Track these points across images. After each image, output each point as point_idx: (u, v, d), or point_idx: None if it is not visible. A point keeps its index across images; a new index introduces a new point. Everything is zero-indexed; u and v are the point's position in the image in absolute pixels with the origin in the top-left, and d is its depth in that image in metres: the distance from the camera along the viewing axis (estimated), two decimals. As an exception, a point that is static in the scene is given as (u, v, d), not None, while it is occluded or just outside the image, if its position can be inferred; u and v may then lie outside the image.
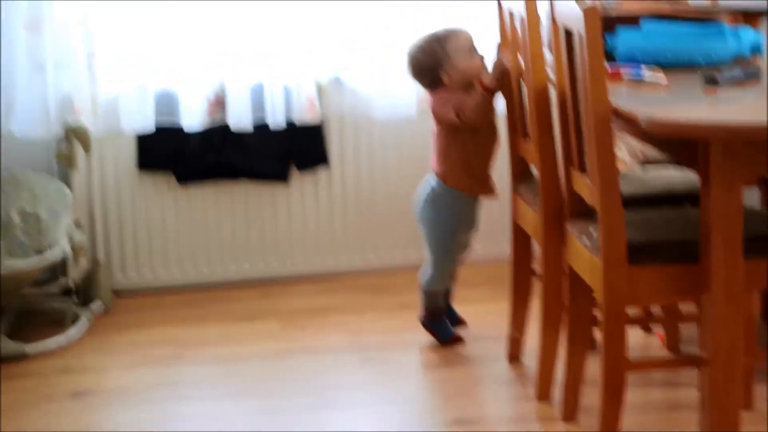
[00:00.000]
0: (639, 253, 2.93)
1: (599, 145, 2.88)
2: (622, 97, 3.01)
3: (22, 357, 4.00)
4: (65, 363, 3.97)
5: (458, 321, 4.14)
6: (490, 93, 3.81)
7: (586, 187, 3.07)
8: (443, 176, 3.94)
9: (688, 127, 2.69)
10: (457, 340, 4.04)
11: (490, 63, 3.83)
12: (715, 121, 2.74)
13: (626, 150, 3.90)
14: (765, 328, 3.82)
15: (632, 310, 3.84)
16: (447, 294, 4.12)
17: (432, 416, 3.54)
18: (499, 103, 3.86)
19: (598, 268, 2.97)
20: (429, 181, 4.00)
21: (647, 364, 3.53)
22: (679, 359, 3.61)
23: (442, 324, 4.06)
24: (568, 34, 3.01)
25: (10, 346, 4.01)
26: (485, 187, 3.98)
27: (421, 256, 4.06)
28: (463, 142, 3.91)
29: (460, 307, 4.16)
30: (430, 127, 3.98)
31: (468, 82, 3.89)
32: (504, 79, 3.78)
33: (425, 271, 4.03)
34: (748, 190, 4.01)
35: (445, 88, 3.90)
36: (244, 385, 3.78)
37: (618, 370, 2.98)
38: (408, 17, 4.54)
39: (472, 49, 3.89)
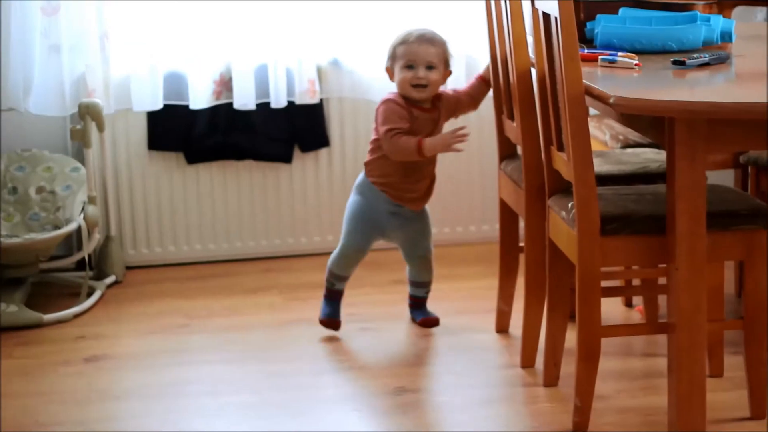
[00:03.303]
0: (611, 224, 3.03)
1: (573, 122, 2.98)
2: (596, 78, 3.09)
3: (39, 324, 4.11)
4: (80, 331, 4.09)
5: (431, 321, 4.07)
6: (420, 155, 3.75)
7: (563, 164, 3.17)
8: (367, 167, 3.92)
9: (653, 104, 2.80)
10: (331, 324, 4.00)
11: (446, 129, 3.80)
12: (678, 99, 2.82)
13: (609, 133, 4.05)
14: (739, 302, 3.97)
15: (613, 282, 3.95)
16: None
17: (425, 378, 3.65)
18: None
19: (574, 239, 3.08)
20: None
21: (620, 330, 3.59)
22: (648, 325, 3.68)
23: (331, 303, 4.03)
24: (546, 18, 3.10)
25: (28, 314, 4.12)
26: (403, 197, 3.88)
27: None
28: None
29: (454, 284, 4.25)
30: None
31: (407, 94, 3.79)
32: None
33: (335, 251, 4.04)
34: (724, 171, 4.23)
35: (397, 95, 3.82)
36: (247, 352, 3.88)
37: (592, 335, 3.08)
38: (407, 2, 4.57)
39: (413, 63, 3.77)
